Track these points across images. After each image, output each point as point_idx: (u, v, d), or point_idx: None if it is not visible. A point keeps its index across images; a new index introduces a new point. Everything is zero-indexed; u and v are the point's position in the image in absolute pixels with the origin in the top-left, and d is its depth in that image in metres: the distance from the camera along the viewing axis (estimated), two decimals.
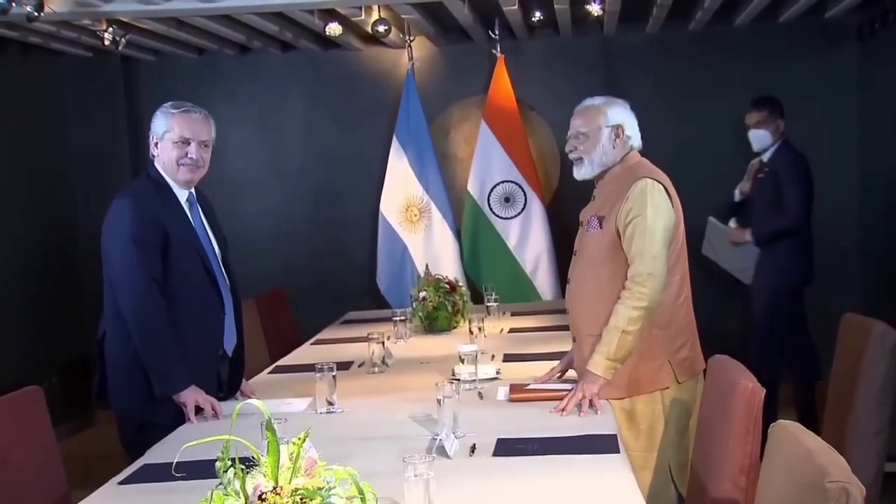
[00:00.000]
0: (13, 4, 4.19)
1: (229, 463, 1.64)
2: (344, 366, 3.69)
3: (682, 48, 6.25)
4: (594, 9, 5.39)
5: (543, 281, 6.12)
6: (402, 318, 4.45)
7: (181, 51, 6.30)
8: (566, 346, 3.35)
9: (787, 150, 5.00)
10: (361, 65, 6.55)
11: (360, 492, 1.67)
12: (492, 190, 6.18)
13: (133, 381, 3.03)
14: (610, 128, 3.03)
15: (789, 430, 1.97)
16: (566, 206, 5.96)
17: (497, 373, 3.40)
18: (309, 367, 3.25)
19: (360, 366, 3.80)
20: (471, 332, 4.04)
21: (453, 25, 5.96)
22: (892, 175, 5.69)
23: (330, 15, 5.53)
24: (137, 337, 2.99)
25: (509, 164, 6.14)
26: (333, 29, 5.55)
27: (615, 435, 2.60)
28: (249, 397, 3.28)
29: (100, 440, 5.22)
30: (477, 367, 3.29)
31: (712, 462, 2.49)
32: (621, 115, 3.06)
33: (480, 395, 3.15)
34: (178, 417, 3.00)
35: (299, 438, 1.66)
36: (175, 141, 3.11)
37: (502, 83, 6.16)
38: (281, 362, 4.09)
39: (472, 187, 6.21)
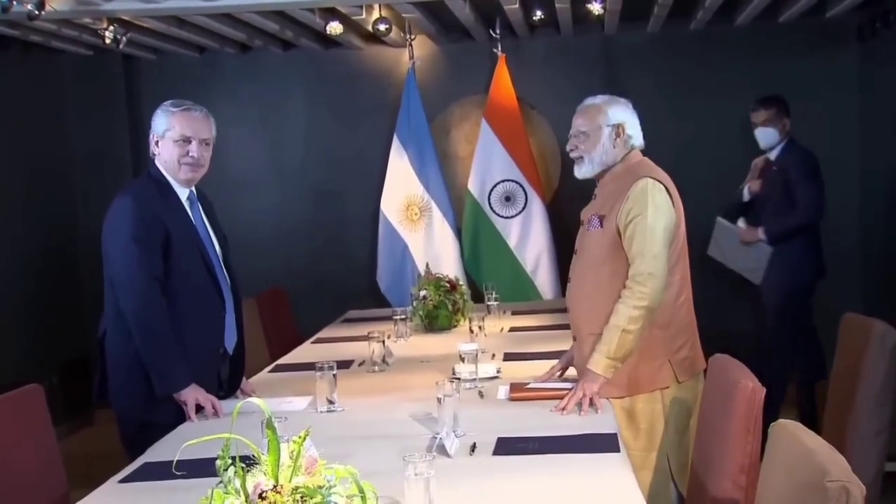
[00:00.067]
0: (14, 3, 4.19)
1: (230, 461, 1.64)
2: (344, 364, 3.69)
3: (683, 47, 6.25)
4: (595, 8, 5.39)
5: (544, 280, 6.12)
6: (403, 316, 4.45)
7: (182, 49, 6.30)
8: (566, 345, 3.35)
9: (795, 148, 5.02)
10: (362, 63, 6.55)
11: (361, 490, 1.67)
12: (492, 189, 6.18)
13: (134, 380, 3.03)
14: (611, 127, 3.03)
15: (790, 429, 1.97)
16: (567, 205, 5.96)
17: (497, 372, 3.40)
18: (309, 366, 3.24)
19: (360, 364, 3.80)
20: (471, 331, 4.04)
21: (454, 24, 5.96)
22: (892, 175, 5.69)
23: (331, 13, 5.53)
24: (138, 336, 2.99)
25: (510, 163, 6.14)
26: (334, 28, 5.55)
27: (615, 434, 2.60)
28: (250, 396, 3.28)
29: (100, 439, 5.22)
30: (477, 365, 3.29)
31: (713, 461, 2.49)
32: (622, 115, 3.06)
33: (481, 394, 3.15)
34: (178, 416, 3.00)
35: (300, 437, 1.66)
36: (176, 139, 3.10)
37: (503, 82, 6.16)
38: (281, 361, 4.09)
39: (472, 186, 6.21)
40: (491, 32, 6.14)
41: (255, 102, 6.62)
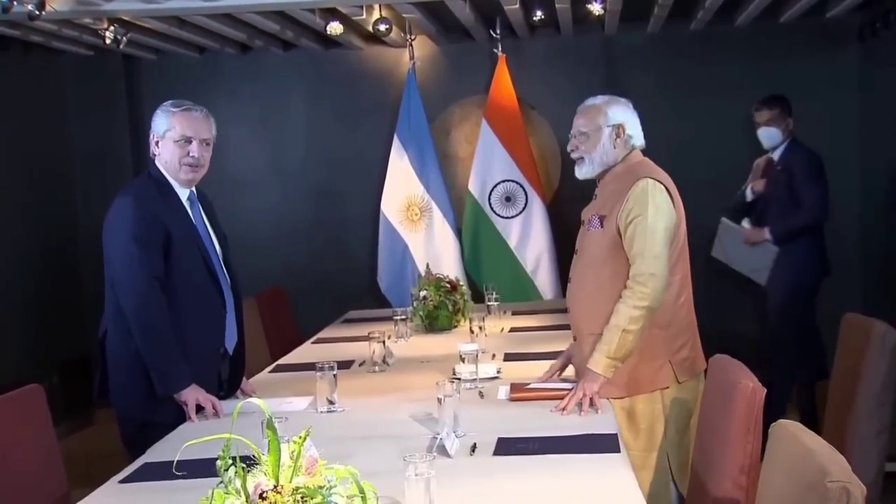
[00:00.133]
0: (15, 3, 4.19)
1: (230, 462, 1.64)
2: (345, 365, 3.69)
3: (684, 48, 6.25)
4: (595, 8, 5.38)
5: (544, 280, 6.12)
6: (403, 317, 4.45)
7: (182, 49, 6.30)
8: (567, 346, 3.35)
9: (799, 148, 5.03)
10: (362, 64, 6.55)
11: (361, 490, 1.67)
12: (493, 189, 6.18)
13: (134, 380, 3.03)
14: (611, 127, 3.04)
15: (790, 429, 1.97)
16: (567, 205, 5.96)
17: (497, 372, 3.40)
18: (310, 366, 3.24)
19: (360, 365, 3.80)
20: (471, 332, 4.04)
21: (454, 24, 5.96)
22: (892, 175, 5.69)
23: (331, 14, 5.53)
24: (138, 335, 2.99)
25: (510, 163, 6.14)
26: (334, 28, 5.55)
27: (615, 434, 2.60)
28: (250, 396, 3.28)
29: (100, 439, 5.22)
30: (477, 366, 3.29)
31: (713, 461, 2.49)
32: (622, 115, 3.06)
33: (481, 395, 3.15)
34: (179, 416, 3.00)
35: (300, 437, 1.66)
36: (176, 140, 3.11)
37: (503, 82, 6.16)
38: (281, 361, 4.09)
39: (472, 186, 6.21)
40: (491, 33, 6.14)
41: (256, 103, 6.62)
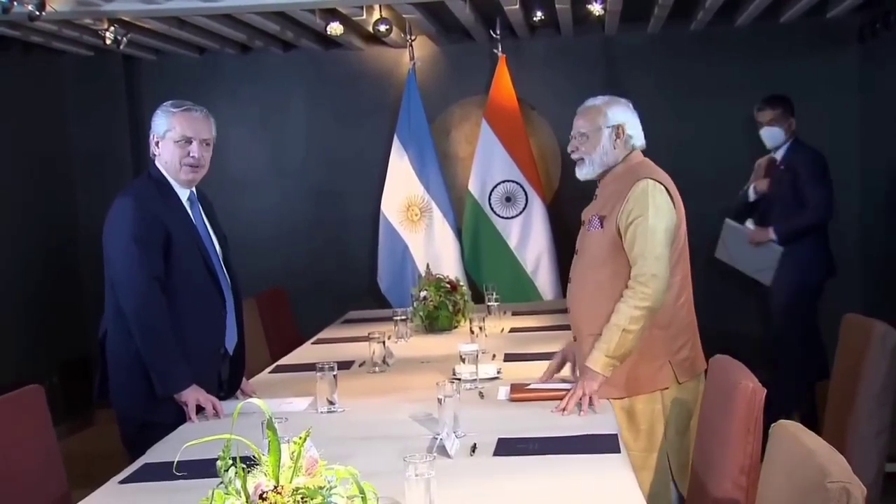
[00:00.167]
0: (15, 3, 4.20)
1: (230, 462, 1.64)
2: (345, 365, 3.69)
3: (684, 48, 6.25)
4: (595, 8, 5.38)
5: (544, 280, 6.12)
6: (403, 317, 4.45)
7: (182, 50, 6.30)
8: (561, 346, 3.36)
9: (802, 147, 5.04)
10: (362, 64, 6.55)
11: (361, 491, 1.67)
12: (493, 189, 6.18)
13: (134, 380, 3.03)
14: (610, 128, 3.04)
15: (790, 430, 1.97)
16: (567, 205, 5.96)
17: (498, 372, 3.40)
18: (310, 367, 3.25)
19: (360, 365, 3.80)
20: (471, 332, 4.04)
21: (454, 25, 5.96)
22: (892, 175, 5.69)
23: (331, 14, 5.53)
24: (138, 336, 2.99)
25: (510, 163, 6.14)
26: (335, 28, 5.55)
27: (616, 435, 2.60)
28: (250, 396, 3.28)
29: (100, 439, 5.22)
30: (478, 366, 3.29)
31: (713, 462, 2.49)
32: (622, 115, 3.06)
33: (481, 395, 3.15)
34: (179, 417, 3.00)
35: (300, 438, 1.66)
36: (177, 140, 3.10)
37: (503, 83, 6.16)
38: (281, 362, 4.09)
39: (472, 187, 6.21)
40: (491, 33, 6.14)
41: (256, 103, 6.62)
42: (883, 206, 5.83)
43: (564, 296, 3.37)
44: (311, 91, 6.60)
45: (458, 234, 6.24)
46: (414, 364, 3.78)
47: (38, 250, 6.04)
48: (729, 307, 5.95)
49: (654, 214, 2.88)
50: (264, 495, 1.59)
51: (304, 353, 4.26)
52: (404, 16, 5.66)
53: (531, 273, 6.13)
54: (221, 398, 3.14)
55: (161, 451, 2.69)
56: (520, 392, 3.07)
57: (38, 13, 4.28)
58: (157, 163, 3.16)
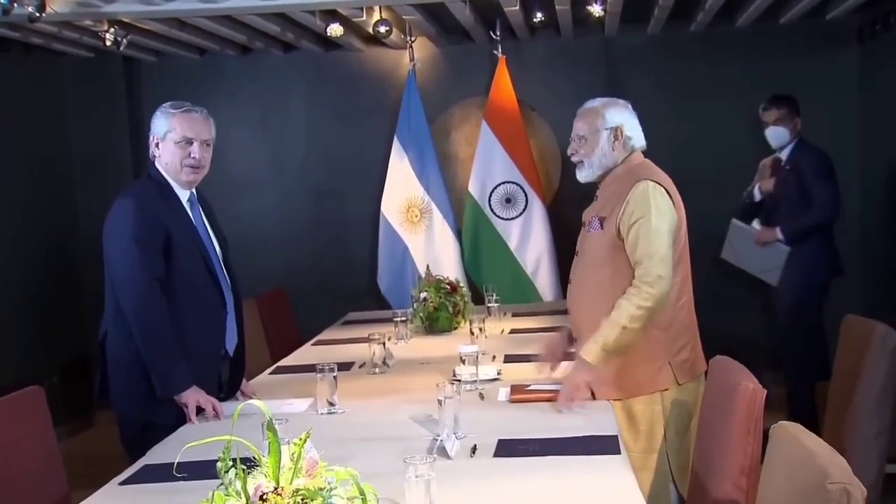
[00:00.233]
0: (15, 5, 4.20)
1: (230, 463, 1.64)
2: (345, 366, 3.68)
3: (684, 49, 6.25)
4: (595, 10, 5.38)
5: (544, 282, 6.12)
6: (403, 318, 4.44)
7: (183, 51, 6.30)
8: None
9: (807, 147, 5.04)
10: (363, 65, 6.55)
11: (361, 492, 1.67)
12: (493, 191, 6.18)
13: (134, 381, 3.03)
14: (609, 130, 3.04)
15: (790, 431, 1.97)
16: (567, 206, 5.96)
17: (498, 373, 3.40)
18: (310, 368, 3.25)
19: (360, 366, 3.79)
20: (472, 333, 4.03)
21: (454, 26, 5.96)
22: (892, 176, 5.69)
23: (331, 16, 5.53)
24: (139, 336, 2.99)
25: (510, 164, 6.14)
26: (335, 30, 5.55)
27: (616, 436, 2.60)
28: (250, 398, 3.28)
29: (100, 441, 5.21)
30: (478, 367, 3.29)
31: (713, 463, 2.49)
32: (620, 117, 3.06)
33: (481, 396, 3.15)
34: (179, 418, 3.00)
35: (300, 439, 1.66)
36: (177, 141, 3.11)
37: (503, 84, 6.16)
38: (282, 363, 4.09)
39: (473, 188, 6.22)
40: (491, 34, 6.14)
41: (256, 104, 6.62)
42: (883, 206, 5.83)
43: (564, 297, 3.37)
44: (311, 92, 6.61)
45: (458, 235, 6.24)
46: (414, 365, 3.78)
47: (38, 250, 6.04)
48: (734, 308, 5.95)
49: (657, 216, 2.88)
50: (264, 497, 1.59)
51: (304, 354, 4.26)
52: (404, 17, 5.66)
53: (531, 274, 6.13)
54: (221, 399, 3.14)
55: (161, 453, 2.69)
56: (520, 393, 3.07)
57: (38, 15, 4.28)
58: (157, 164, 3.16)
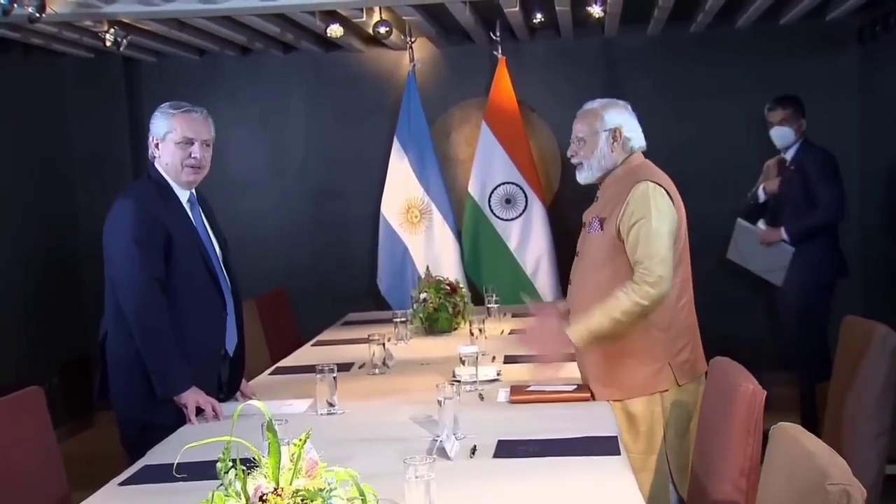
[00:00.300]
0: (15, 5, 4.20)
1: (230, 464, 1.64)
2: (344, 367, 3.68)
3: (684, 50, 6.25)
4: (595, 10, 5.38)
5: (544, 282, 6.12)
6: (403, 319, 4.44)
7: (182, 52, 6.30)
8: (567, 348, 3.35)
9: (812, 148, 5.04)
10: (362, 66, 6.55)
11: (361, 493, 1.67)
12: (493, 191, 6.18)
13: (134, 381, 3.03)
14: (607, 131, 3.04)
15: (790, 432, 1.97)
16: (567, 207, 5.96)
17: (498, 374, 3.40)
18: (309, 369, 3.24)
19: (360, 367, 3.79)
20: (471, 334, 4.03)
21: (454, 27, 5.96)
22: (892, 177, 5.69)
23: (331, 16, 5.53)
24: (139, 337, 2.99)
25: (510, 165, 6.14)
26: (334, 30, 5.55)
27: (615, 437, 2.60)
28: (250, 398, 3.27)
29: (100, 441, 5.22)
30: (477, 368, 3.29)
31: (713, 464, 2.49)
32: (619, 118, 3.06)
33: (481, 397, 3.15)
34: (179, 418, 3.00)
35: (300, 439, 1.66)
36: (178, 141, 3.11)
37: (503, 85, 6.16)
38: (281, 363, 4.08)
39: (472, 189, 6.22)
40: (491, 35, 6.14)
41: (256, 105, 6.62)
42: (883, 207, 5.83)
43: (565, 297, 3.37)
44: (311, 93, 6.61)
45: (458, 235, 6.24)
46: (414, 366, 3.77)
47: (38, 250, 6.04)
48: (735, 308, 5.95)
49: (657, 217, 2.88)
50: (264, 497, 1.59)
51: (303, 354, 4.26)
52: (404, 18, 5.66)
53: (531, 275, 6.13)
54: (221, 400, 3.14)
55: (161, 453, 2.69)
56: (520, 394, 3.07)
57: (38, 15, 4.28)
58: (156, 164, 3.16)
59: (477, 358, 3.31)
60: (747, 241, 5.23)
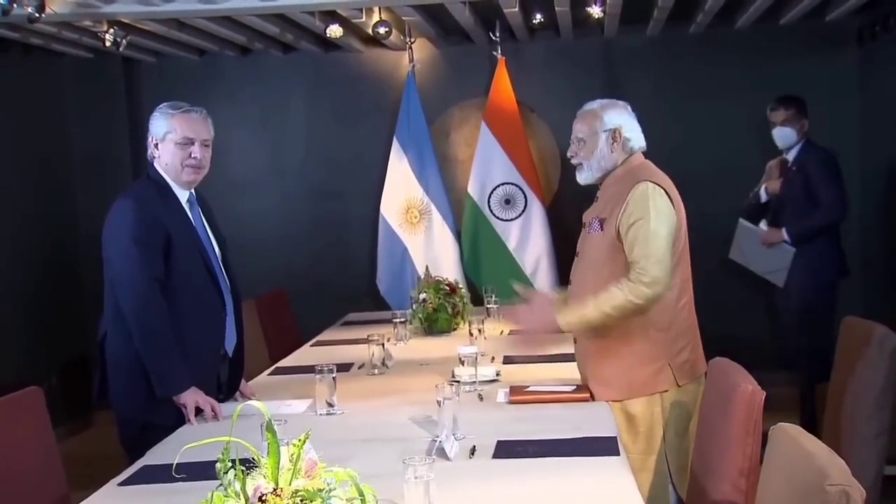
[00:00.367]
0: (14, 5, 4.20)
1: (230, 464, 1.64)
2: (344, 367, 3.69)
3: (683, 50, 6.25)
4: (595, 11, 5.38)
5: (543, 283, 6.11)
6: (402, 319, 4.45)
7: (182, 52, 6.30)
8: (566, 348, 3.36)
9: (814, 148, 5.03)
10: (362, 66, 6.55)
11: (360, 493, 1.67)
12: (492, 192, 6.18)
13: (134, 381, 3.03)
14: (607, 132, 3.04)
15: (789, 432, 1.97)
16: (566, 208, 5.97)
17: (497, 374, 3.40)
18: (309, 369, 3.24)
19: (360, 367, 3.79)
20: (471, 334, 4.03)
21: (454, 27, 5.96)
22: (892, 177, 5.69)
23: (331, 17, 5.53)
24: (138, 337, 2.99)
25: (510, 166, 6.14)
26: (334, 31, 5.55)
27: (615, 437, 2.60)
28: (249, 399, 3.28)
29: (99, 441, 5.21)
30: (477, 368, 3.29)
31: (712, 464, 2.49)
32: (618, 119, 3.06)
33: (480, 397, 3.15)
34: (178, 418, 3.00)
35: (299, 440, 1.66)
36: (178, 142, 3.11)
37: (503, 85, 6.16)
38: (281, 364, 4.09)
39: (472, 189, 6.21)
40: (491, 35, 6.14)
41: (256, 105, 6.62)
42: (883, 207, 5.83)
43: None
44: (310, 93, 6.61)
45: (458, 236, 6.24)
46: (413, 366, 3.78)
47: (38, 250, 6.04)
48: (736, 309, 5.95)
49: (656, 217, 2.88)
50: (263, 497, 1.59)
51: (303, 355, 4.26)
52: (404, 18, 5.66)
53: (530, 275, 6.13)
54: (220, 400, 3.14)
55: (160, 453, 2.69)
56: (519, 394, 3.07)
57: (37, 15, 4.28)
58: (156, 165, 3.16)
59: (476, 358, 3.31)
60: (749, 241, 5.23)
